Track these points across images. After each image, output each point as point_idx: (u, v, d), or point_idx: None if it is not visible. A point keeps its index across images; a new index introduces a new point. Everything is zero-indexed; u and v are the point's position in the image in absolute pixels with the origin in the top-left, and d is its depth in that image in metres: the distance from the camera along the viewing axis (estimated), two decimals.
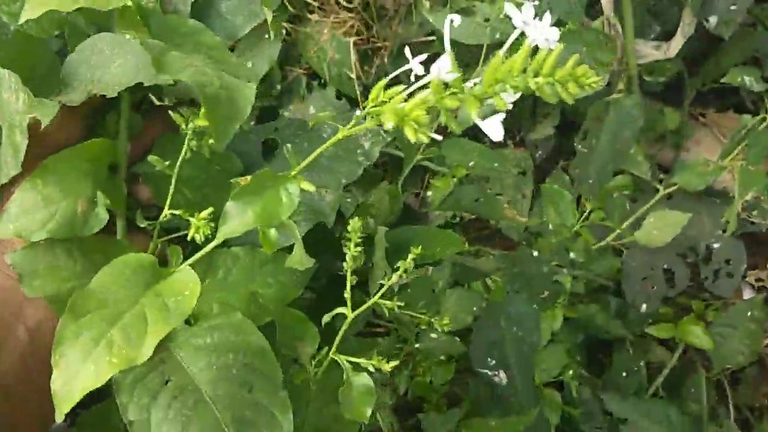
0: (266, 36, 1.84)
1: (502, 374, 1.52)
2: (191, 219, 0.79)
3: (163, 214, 0.84)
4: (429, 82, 0.59)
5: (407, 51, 0.68)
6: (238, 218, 0.70)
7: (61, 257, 0.81)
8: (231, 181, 0.74)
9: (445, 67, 0.58)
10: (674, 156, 2.00)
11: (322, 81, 2.03)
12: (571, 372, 1.74)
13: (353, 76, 1.86)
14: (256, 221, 0.70)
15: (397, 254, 1.04)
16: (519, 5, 0.59)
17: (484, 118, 0.56)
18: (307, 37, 1.91)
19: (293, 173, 0.72)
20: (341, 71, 1.89)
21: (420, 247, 0.92)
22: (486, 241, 1.90)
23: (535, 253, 1.57)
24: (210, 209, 0.79)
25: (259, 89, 1.93)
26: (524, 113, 1.93)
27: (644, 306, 1.83)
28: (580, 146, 1.72)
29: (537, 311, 1.63)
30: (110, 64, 0.79)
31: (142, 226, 0.88)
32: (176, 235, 0.86)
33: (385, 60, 1.90)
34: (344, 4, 1.85)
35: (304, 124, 0.95)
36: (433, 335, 1.69)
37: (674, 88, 2.07)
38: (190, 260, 0.78)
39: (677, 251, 1.85)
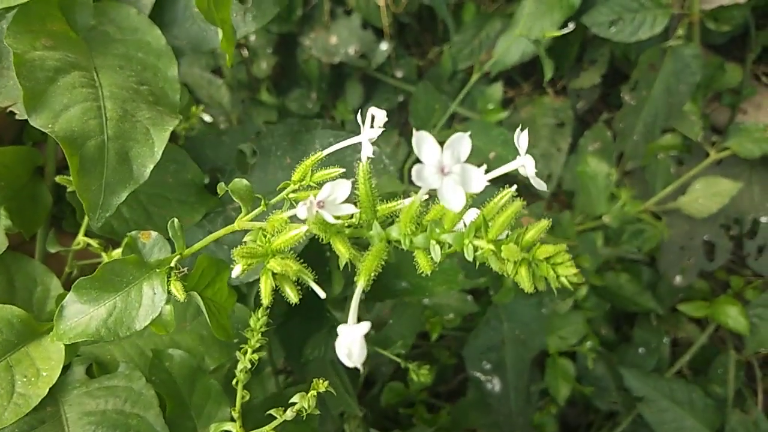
0: None
1: (496, 381, 1.32)
2: (103, 253, 0.59)
3: (75, 241, 0.64)
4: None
5: (359, 117, 0.47)
6: (74, 319, 0.47)
7: None
8: (128, 234, 0.50)
9: (341, 195, 0.38)
10: (729, 117, 1.72)
11: (348, 8, 1.79)
12: (589, 344, 1.53)
13: (381, 3, 1.61)
14: (99, 329, 0.46)
15: (388, 280, 0.82)
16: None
17: None
18: None
19: (176, 256, 0.47)
20: None
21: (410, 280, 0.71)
22: (518, 194, 1.67)
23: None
24: (120, 249, 0.57)
25: (280, 14, 1.70)
26: (568, 58, 1.66)
27: (678, 278, 1.60)
28: (627, 97, 1.46)
29: (544, 315, 1.42)
30: None
31: (52, 251, 0.66)
32: (94, 260, 0.65)
33: None
34: None
35: (289, 133, 0.67)
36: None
37: (737, 42, 1.77)
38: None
39: (721, 222, 1.60)
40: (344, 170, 0.44)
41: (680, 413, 1.47)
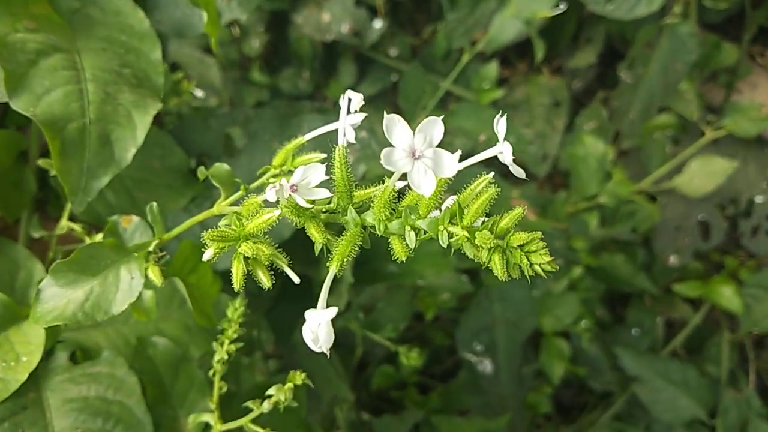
0: None
1: (487, 362, 1.31)
2: (86, 238, 0.57)
3: (59, 225, 0.62)
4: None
5: (341, 100, 0.45)
6: (51, 302, 0.44)
7: None
8: (109, 218, 0.48)
9: (314, 178, 0.38)
10: (724, 97, 1.69)
11: None
12: (583, 323, 1.52)
13: None
14: (76, 313, 0.44)
15: (377, 263, 0.79)
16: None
17: None
18: None
19: (155, 241, 0.45)
20: None
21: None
22: (508, 176, 1.65)
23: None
24: (102, 234, 0.55)
25: None
26: (564, 37, 1.63)
27: (672, 258, 1.59)
28: (623, 76, 1.44)
29: (535, 298, 1.41)
30: None
31: (36, 236, 0.64)
32: (78, 245, 0.63)
33: None
34: None
35: (279, 117, 0.64)
36: None
37: (734, 21, 1.75)
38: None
39: (716, 202, 1.58)
40: (325, 155, 0.42)
41: (675, 392, 1.47)
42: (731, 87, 1.69)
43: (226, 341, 0.56)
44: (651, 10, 1.39)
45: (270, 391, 0.53)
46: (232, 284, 0.66)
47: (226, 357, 0.56)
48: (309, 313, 0.34)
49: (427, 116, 1.22)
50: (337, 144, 0.60)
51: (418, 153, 0.33)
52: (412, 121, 1.22)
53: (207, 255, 0.37)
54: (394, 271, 0.74)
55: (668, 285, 1.62)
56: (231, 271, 0.61)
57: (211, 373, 0.58)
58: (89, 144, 0.48)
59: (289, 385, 0.53)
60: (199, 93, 1.44)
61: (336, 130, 0.59)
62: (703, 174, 1.48)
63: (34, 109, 0.47)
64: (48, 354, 0.56)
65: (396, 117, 0.31)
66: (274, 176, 0.43)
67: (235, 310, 0.56)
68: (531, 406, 1.52)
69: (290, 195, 0.36)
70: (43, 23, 0.51)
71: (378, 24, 1.62)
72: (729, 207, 1.59)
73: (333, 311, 0.34)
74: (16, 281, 0.60)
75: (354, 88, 1.70)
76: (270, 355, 1.00)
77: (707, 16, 1.62)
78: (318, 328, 0.35)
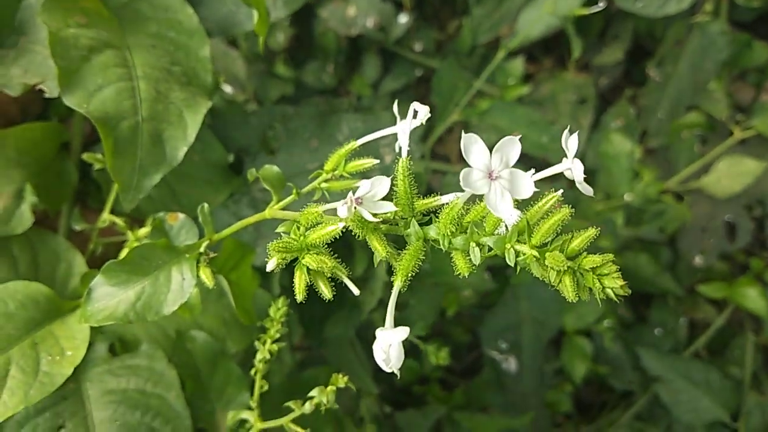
0: None
1: (512, 361, 1.31)
2: (129, 232, 0.58)
3: (101, 218, 0.63)
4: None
5: (395, 108, 0.44)
6: (102, 302, 0.45)
7: None
8: (155, 216, 0.49)
9: (380, 191, 0.37)
10: (754, 96, 1.67)
11: None
12: (606, 322, 1.51)
13: None
14: (127, 313, 0.44)
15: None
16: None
17: None
18: None
19: (205, 242, 0.45)
20: None
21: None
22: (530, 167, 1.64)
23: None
24: (146, 229, 0.56)
25: None
26: (591, 33, 1.61)
27: (698, 259, 1.57)
28: (652, 74, 1.42)
29: (562, 296, 1.41)
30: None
31: (78, 228, 0.65)
32: (118, 238, 0.64)
33: None
34: None
35: (318, 115, 0.65)
36: None
37: (765, 20, 1.72)
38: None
39: (743, 203, 1.56)
40: (378, 161, 0.42)
41: (696, 394, 1.46)
42: (761, 86, 1.66)
43: (269, 340, 0.56)
44: (681, 8, 1.37)
45: (312, 393, 0.53)
46: (268, 279, 0.66)
47: (268, 356, 0.57)
48: (379, 333, 0.34)
49: (460, 112, 1.21)
50: (378, 146, 0.60)
51: (495, 174, 0.32)
52: (445, 117, 1.22)
53: (270, 266, 0.38)
54: (427, 269, 0.74)
55: (692, 285, 1.61)
56: (274, 271, 0.61)
57: (252, 372, 0.58)
58: (141, 142, 0.49)
59: (332, 388, 0.54)
60: (228, 89, 1.45)
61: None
62: (731, 174, 1.47)
63: (87, 105, 0.47)
64: (88, 345, 0.57)
65: (474, 136, 0.31)
66: (326, 181, 0.43)
67: (278, 309, 0.56)
68: (551, 404, 1.52)
69: (356, 208, 0.35)
70: (94, 18, 0.51)
71: (403, 19, 1.61)
72: (756, 208, 1.57)
73: (404, 332, 0.34)
74: (57, 273, 0.60)
75: (378, 83, 1.69)
76: (296, 347, 1.01)
77: (738, 14, 1.59)
78: (389, 348, 0.35)
